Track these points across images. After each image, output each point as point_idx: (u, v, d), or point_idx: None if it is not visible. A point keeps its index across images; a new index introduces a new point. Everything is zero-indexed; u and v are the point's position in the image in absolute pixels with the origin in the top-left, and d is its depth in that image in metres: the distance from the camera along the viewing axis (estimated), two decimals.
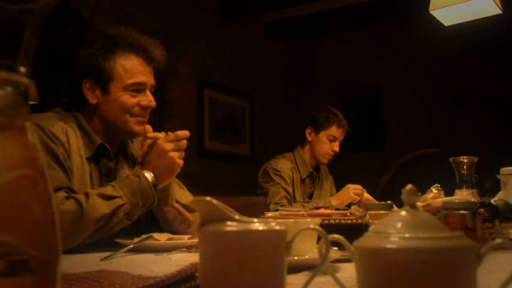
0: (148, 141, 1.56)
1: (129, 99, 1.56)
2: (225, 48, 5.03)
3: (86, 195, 1.37)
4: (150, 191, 1.47)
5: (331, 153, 3.13)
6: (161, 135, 1.55)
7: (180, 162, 1.53)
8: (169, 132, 1.56)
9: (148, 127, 1.58)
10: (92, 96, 1.56)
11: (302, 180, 3.16)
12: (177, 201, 1.65)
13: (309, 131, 3.15)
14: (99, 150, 1.56)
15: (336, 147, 3.12)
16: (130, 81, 1.55)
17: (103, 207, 1.37)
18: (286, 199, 2.97)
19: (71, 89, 1.61)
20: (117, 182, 1.47)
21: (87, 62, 1.55)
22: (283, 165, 3.09)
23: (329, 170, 3.40)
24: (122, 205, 1.41)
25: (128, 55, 1.56)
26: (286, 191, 3.01)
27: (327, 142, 3.11)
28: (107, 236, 1.56)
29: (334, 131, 3.10)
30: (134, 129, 1.59)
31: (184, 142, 1.54)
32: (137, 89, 1.57)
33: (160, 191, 1.56)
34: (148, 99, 1.59)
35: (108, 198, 1.40)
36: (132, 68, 1.56)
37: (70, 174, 1.46)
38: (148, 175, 1.49)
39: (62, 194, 1.35)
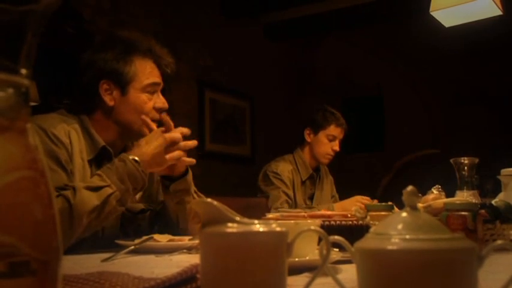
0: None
1: (147, 103, 1.60)
2: (226, 49, 5.03)
3: (73, 190, 1.36)
4: (139, 174, 1.46)
5: (332, 153, 3.12)
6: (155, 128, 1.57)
7: (167, 158, 1.52)
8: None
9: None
10: (110, 98, 1.58)
11: (303, 182, 3.15)
12: (195, 192, 1.66)
13: (308, 131, 3.14)
14: (101, 152, 1.57)
15: (336, 146, 3.11)
16: (148, 81, 1.60)
17: (92, 199, 1.36)
18: (287, 203, 2.95)
19: (82, 91, 1.62)
20: (103, 170, 1.45)
21: (105, 65, 1.57)
22: (283, 168, 3.08)
23: (328, 170, 3.38)
24: (112, 193, 1.40)
25: (146, 59, 1.61)
26: (287, 195, 3.00)
27: (327, 142, 3.09)
28: (108, 236, 1.56)
29: (333, 130, 3.09)
30: (147, 133, 1.60)
31: (178, 137, 1.54)
32: (153, 89, 1.62)
33: (182, 181, 1.59)
34: (161, 101, 1.64)
35: (96, 189, 1.39)
36: (149, 70, 1.61)
37: (71, 177, 1.46)
38: (134, 159, 1.48)
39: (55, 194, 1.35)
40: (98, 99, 1.58)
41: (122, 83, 1.57)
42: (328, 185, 3.32)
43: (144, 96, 1.60)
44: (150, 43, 1.63)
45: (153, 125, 1.57)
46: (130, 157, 1.48)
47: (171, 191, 1.61)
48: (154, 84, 1.62)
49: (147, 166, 1.50)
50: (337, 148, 3.12)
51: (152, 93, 1.62)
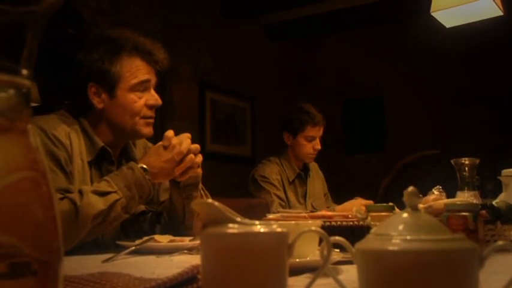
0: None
1: (136, 102, 1.57)
2: (226, 49, 5.03)
3: (80, 193, 1.37)
4: (146, 183, 1.47)
5: (314, 152, 3.08)
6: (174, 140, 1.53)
7: (174, 174, 1.53)
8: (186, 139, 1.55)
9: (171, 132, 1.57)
10: (98, 101, 1.56)
11: (291, 182, 3.12)
12: (202, 188, 1.66)
13: (286, 135, 3.11)
14: (100, 153, 1.56)
15: (317, 145, 3.07)
16: (135, 80, 1.56)
17: (99, 204, 1.37)
18: (280, 206, 2.93)
19: (74, 93, 1.61)
20: (110, 176, 1.46)
21: (92, 66, 1.54)
22: (271, 170, 3.06)
23: (329, 171, 3.37)
24: (118, 199, 1.41)
25: (133, 58, 1.57)
26: (278, 197, 2.98)
27: (306, 143, 3.05)
28: (109, 237, 1.56)
29: (310, 131, 3.05)
30: (143, 131, 1.60)
31: (191, 158, 1.53)
32: (143, 87, 1.58)
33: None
34: (154, 97, 1.60)
35: (104, 194, 1.39)
36: (136, 68, 1.57)
37: (71, 178, 1.46)
38: (142, 167, 1.48)
39: (57, 195, 1.35)
40: (88, 101, 1.56)
41: (109, 85, 1.55)
42: (319, 182, 3.29)
43: (133, 96, 1.57)
44: (137, 40, 1.59)
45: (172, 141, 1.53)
46: (139, 165, 1.48)
47: (180, 185, 1.61)
48: (143, 81, 1.58)
49: (154, 177, 1.51)
50: (318, 147, 3.08)
51: (142, 91, 1.58)
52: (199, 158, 1.56)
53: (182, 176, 1.55)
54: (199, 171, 1.58)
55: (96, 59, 1.54)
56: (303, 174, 3.18)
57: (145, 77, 1.58)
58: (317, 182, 3.27)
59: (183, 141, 1.53)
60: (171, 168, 1.51)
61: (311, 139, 3.06)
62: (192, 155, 1.53)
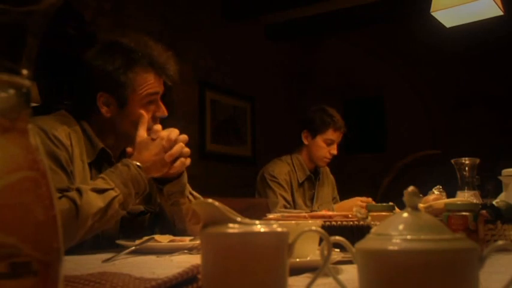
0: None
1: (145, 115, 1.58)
2: (227, 49, 5.03)
3: (79, 191, 1.36)
4: (141, 179, 1.47)
5: (329, 157, 3.06)
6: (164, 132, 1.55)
7: (167, 164, 1.53)
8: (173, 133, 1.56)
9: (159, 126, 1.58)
10: (107, 110, 1.56)
11: (300, 184, 3.11)
12: (191, 193, 1.66)
13: (305, 134, 3.08)
14: (100, 155, 1.57)
15: (334, 150, 3.05)
16: (145, 92, 1.58)
17: (98, 202, 1.37)
18: (284, 208, 2.92)
19: (81, 98, 1.62)
20: (106, 173, 1.46)
21: (105, 77, 1.54)
22: (280, 169, 3.03)
23: (330, 171, 3.35)
24: (116, 196, 1.41)
25: (148, 73, 1.58)
26: (285, 198, 2.96)
27: (324, 146, 3.03)
28: (108, 237, 1.56)
29: (331, 134, 3.03)
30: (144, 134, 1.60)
31: (180, 145, 1.54)
32: (152, 99, 1.60)
33: (176, 182, 1.58)
34: (161, 109, 1.63)
35: (101, 191, 1.39)
36: (148, 82, 1.58)
37: (72, 178, 1.46)
38: (137, 164, 1.49)
39: (56, 195, 1.34)
40: (95, 108, 1.57)
41: (120, 97, 1.55)
42: (329, 186, 3.27)
43: (143, 108, 1.58)
44: (151, 54, 1.59)
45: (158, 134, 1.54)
46: (134, 162, 1.48)
47: (165, 193, 1.61)
48: (152, 94, 1.59)
49: (148, 172, 1.51)
50: (334, 152, 3.06)
51: (151, 102, 1.60)
52: (187, 150, 1.56)
53: (173, 168, 1.54)
54: (189, 161, 1.58)
55: (110, 70, 1.54)
56: (313, 177, 3.15)
57: (156, 89, 1.60)
58: (326, 186, 3.24)
59: (172, 131, 1.54)
60: (162, 158, 1.51)
61: (330, 143, 3.03)
62: (181, 143, 1.54)
